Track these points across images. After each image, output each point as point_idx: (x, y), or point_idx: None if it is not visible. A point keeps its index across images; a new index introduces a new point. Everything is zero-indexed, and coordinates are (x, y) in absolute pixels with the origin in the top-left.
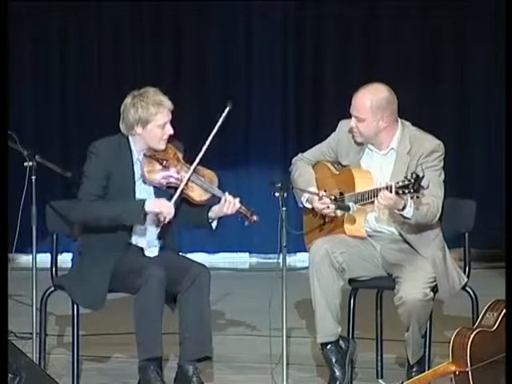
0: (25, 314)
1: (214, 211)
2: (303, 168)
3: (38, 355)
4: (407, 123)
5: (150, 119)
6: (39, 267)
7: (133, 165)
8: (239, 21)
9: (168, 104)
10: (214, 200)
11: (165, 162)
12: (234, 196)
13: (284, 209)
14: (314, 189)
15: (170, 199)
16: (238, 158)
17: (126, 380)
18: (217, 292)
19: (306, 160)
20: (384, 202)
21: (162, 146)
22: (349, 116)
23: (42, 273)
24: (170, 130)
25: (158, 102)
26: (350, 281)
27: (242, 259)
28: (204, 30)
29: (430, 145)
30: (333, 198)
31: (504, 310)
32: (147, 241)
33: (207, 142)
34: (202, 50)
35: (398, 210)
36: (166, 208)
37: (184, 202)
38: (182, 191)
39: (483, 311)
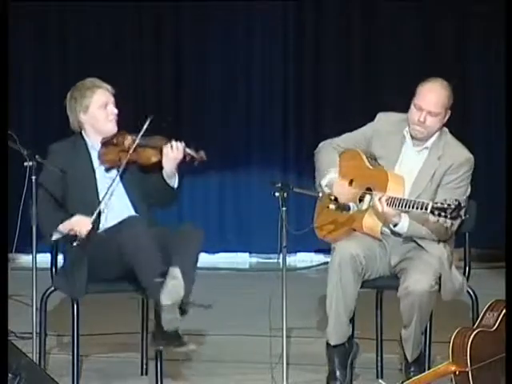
0: (25, 314)
1: (164, 165)
2: (329, 153)
3: (37, 355)
4: (445, 129)
5: (87, 103)
6: (39, 267)
7: (89, 155)
8: (239, 21)
9: (105, 86)
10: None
11: (115, 139)
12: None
13: (284, 209)
14: (327, 178)
15: (132, 178)
16: (238, 158)
17: (126, 380)
18: (217, 292)
19: (336, 146)
20: (381, 209)
21: (110, 127)
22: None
23: (42, 273)
24: (113, 110)
25: (92, 85)
26: None
27: (241, 259)
28: (204, 30)
29: (461, 157)
30: (333, 198)
31: (504, 310)
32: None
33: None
34: (202, 50)
35: (394, 225)
36: (77, 225)
37: (139, 177)
38: (130, 160)
39: (483, 311)
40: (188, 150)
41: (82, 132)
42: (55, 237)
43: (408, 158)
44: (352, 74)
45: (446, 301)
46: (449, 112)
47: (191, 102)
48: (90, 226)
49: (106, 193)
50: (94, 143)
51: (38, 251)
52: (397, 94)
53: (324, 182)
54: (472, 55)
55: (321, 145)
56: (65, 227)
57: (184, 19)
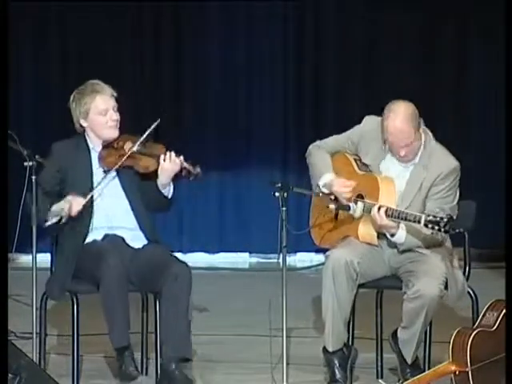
0: (25, 314)
1: (159, 175)
2: (322, 155)
3: (38, 355)
4: (430, 136)
5: (86, 109)
6: (39, 267)
7: (90, 156)
8: (239, 21)
9: (106, 91)
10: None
11: (116, 143)
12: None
13: (284, 209)
14: (324, 179)
15: (131, 183)
16: (239, 158)
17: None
18: (217, 292)
19: (324, 149)
20: (380, 221)
21: (110, 133)
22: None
23: (42, 273)
24: (113, 116)
25: (92, 91)
26: None
27: (241, 259)
28: (204, 30)
29: (448, 167)
30: (333, 197)
31: (504, 310)
32: (127, 231)
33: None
34: (202, 50)
35: (391, 235)
36: (70, 203)
37: (138, 182)
38: (125, 162)
39: (483, 311)
40: (185, 164)
41: (85, 133)
42: (50, 222)
43: (393, 168)
44: (352, 74)
45: (451, 304)
46: (421, 122)
47: (191, 102)
48: (82, 205)
49: (100, 183)
50: (95, 145)
51: (38, 251)
52: (397, 95)
53: (322, 183)
54: (472, 55)
55: (310, 148)
56: (58, 206)
57: (184, 19)
